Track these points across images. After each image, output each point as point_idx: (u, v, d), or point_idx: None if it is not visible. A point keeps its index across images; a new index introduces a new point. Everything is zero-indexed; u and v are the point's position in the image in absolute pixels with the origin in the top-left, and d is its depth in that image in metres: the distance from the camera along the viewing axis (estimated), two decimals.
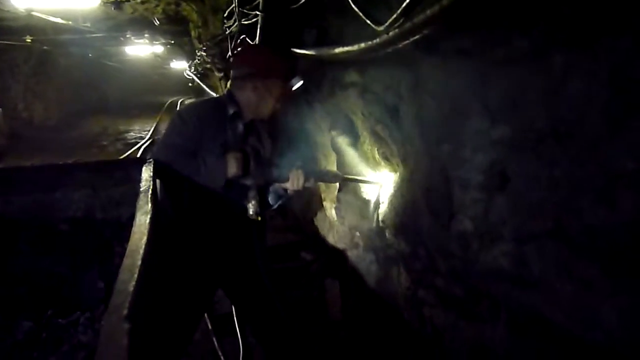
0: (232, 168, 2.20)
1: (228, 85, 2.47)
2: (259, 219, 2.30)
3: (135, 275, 1.11)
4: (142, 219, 1.49)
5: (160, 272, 1.71)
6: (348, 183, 3.24)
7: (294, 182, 2.31)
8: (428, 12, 1.49)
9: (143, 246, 1.29)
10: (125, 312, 0.96)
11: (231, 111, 2.33)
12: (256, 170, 2.28)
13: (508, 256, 1.75)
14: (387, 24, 1.63)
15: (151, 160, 2.15)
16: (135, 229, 1.43)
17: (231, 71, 2.46)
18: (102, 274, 1.73)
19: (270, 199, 2.46)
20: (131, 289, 1.05)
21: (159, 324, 1.92)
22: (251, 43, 4.06)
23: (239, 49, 4.19)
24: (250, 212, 2.27)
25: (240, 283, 2.49)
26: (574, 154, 1.44)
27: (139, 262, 1.19)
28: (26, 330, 1.40)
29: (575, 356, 1.59)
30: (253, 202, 2.27)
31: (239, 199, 2.29)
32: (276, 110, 2.42)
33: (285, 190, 2.40)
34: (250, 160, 2.27)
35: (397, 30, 1.66)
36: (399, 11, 1.54)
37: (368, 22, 1.76)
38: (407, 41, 1.67)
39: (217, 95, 2.32)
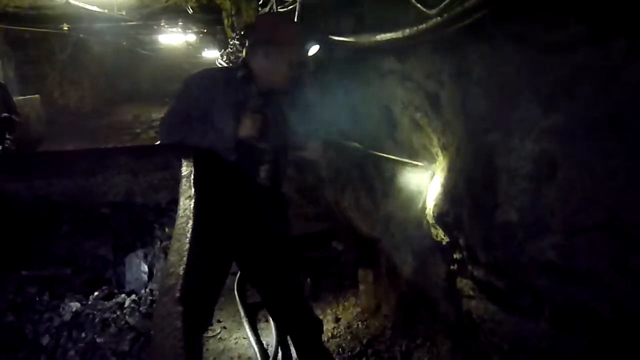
0: (245, 128, 2.15)
1: (243, 54, 2.42)
2: (270, 184, 2.25)
3: (185, 258, 1.11)
4: (187, 203, 1.50)
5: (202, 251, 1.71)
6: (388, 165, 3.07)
7: (313, 150, 2.27)
8: None
9: (190, 230, 1.29)
10: (177, 294, 0.96)
11: (240, 74, 2.28)
12: (275, 135, 2.22)
13: (556, 248, 1.70)
14: (440, 7, 1.59)
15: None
16: (180, 212, 1.44)
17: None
18: (144, 258, 1.75)
19: (290, 171, 2.43)
20: (181, 271, 1.05)
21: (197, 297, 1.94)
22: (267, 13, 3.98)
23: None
24: (262, 176, 2.22)
25: (253, 253, 2.44)
26: (631, 143, 1.38)
27: (187, 246, 1.19)
28: (73, 311, 1.42)
29: (626, 352, 1.54)
30: (267, 165, 2.23)
31: (248, 165, 2.24)
32: (293, 79, 2.37)
33: (304, 159, 2.38)
34: (270, 124, 2.22)
35: (446, 14, 1.62)
36: None
37: (419, 5, 1.72)
38: (456, 26, 1.63)
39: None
